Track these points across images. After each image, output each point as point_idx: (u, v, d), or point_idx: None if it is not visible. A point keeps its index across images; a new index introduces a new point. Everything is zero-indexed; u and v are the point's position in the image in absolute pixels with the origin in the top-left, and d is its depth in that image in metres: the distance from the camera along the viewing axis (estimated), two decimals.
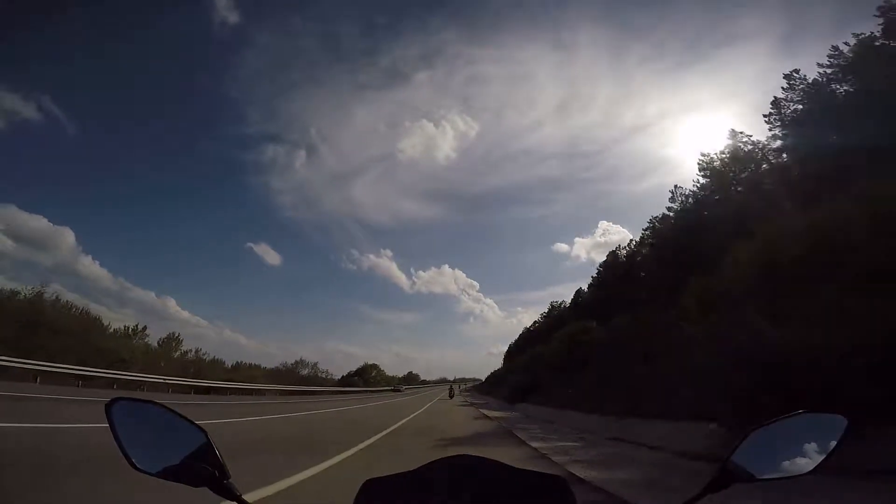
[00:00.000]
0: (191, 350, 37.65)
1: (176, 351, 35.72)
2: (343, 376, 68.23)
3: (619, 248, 37.40)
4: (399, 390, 67.56)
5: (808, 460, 0.87)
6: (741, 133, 23.12)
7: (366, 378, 72.63)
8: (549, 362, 27.37)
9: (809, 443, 0.88)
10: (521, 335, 68.23)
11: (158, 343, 34.82)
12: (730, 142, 23.50)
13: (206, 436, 0.86)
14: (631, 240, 36.46)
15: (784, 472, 0.88)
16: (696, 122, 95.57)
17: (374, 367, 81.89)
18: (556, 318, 48.99)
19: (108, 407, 0.88)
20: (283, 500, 4.37)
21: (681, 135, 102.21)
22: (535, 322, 63.15)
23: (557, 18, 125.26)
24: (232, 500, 0.84)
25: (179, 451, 0.84)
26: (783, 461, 0.88)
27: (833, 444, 0.87)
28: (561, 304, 53.84)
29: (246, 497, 0.85)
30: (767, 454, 0.88)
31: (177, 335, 37.05)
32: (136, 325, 33.38)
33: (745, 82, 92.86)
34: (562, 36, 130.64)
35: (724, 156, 23.57)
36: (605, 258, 39.06)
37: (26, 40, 61.79)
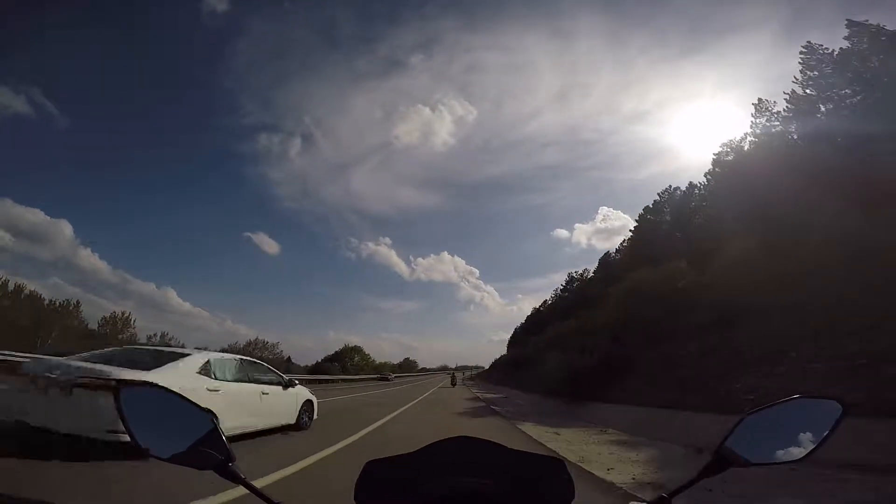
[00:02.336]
0: (155, 335, 33.75)
1: (123, 333, 30.96)
2: (317, 361, 57.12)
3: (669, 189, 32.35)
4: (388, 379, 57.47)
5: (802, 446, 0.88)
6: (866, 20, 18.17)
7: (345, 364, 60.56)
8: (619, 333, 17.60)
9: (804, 428, 0.88)
10: (529, 316, 64.00)
11: (99, 323, 30.37)
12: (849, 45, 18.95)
13: (213, 421, 0.87)
14: (690, 183, 30.66)
15: (778, 458, 0.88)
16: (697, 110, 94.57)
17: (357, 350, 68.12)
18: (576, 290, 44.36)
19: (116, 392, 0.89)
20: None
21: (681, 123, 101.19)
22: (544, 302, 58.95)
23: (557, 6, 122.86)
24: (237, 483, 0.85)
25: (187, 436, 0.86)
26: (778, 446, 0.89)
27: (828, 429, 0.88)
28: (583, 273, 48.29)
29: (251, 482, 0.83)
30: (762, 439, 0.89)
31: (125, 314, 31.97)
32: (68, 300, 29.19)
33: (747, 71, 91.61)
34: (561, 23, 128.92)
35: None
36: (650, 204, 33.65)
37: (12, 32, 61.08)
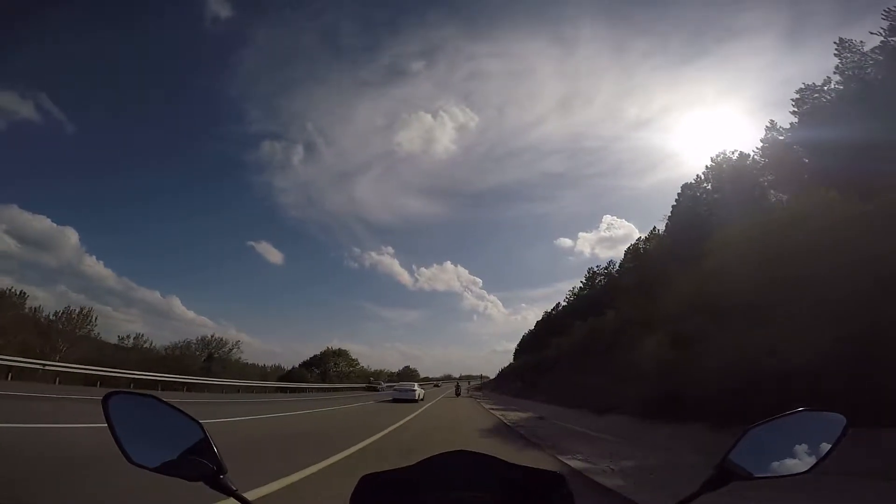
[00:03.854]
0: (127, 336, 31.83)
1: (82, 328, 27.51)
2: (293, 367, 50.71)
3: (724, 153, 26.82)
4: (377, 389, 48.91)
5: (806, 459, 0.86)
6: None
7: (326, 370, 52.47)
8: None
9: (808, 441, 0.86)
10: (540, 321, 61.18)
11: (50, 318, 26.86)
12: None
13: (204, 431, 0.86)
14: (742, 153, 25.29)
15: (782, 471, 0.87)
16: (700, 116, 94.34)
17: (341, 353, 59.46)
18: (598, 286, 42.10)
19: (105, 400, 0.87)
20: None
21: (685, 130, 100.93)
22: (557, 304, 56.47)
23: (558, 13, 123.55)
24: (228, 495, 0.83)
25: (177, 446, 0.84)
26: (781, 460, 0.87)
27: (832, 443, 0.86)
28: (608, 265, 45.04)
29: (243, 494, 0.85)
30: (766, 452, 0.87)
31: (86, 310, 28.23)
32: (11, 289, 26.43)
33: (749, 76, 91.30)
34: (563, 31, 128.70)
35: None
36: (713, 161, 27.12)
37: (19, 37, 62.40)
